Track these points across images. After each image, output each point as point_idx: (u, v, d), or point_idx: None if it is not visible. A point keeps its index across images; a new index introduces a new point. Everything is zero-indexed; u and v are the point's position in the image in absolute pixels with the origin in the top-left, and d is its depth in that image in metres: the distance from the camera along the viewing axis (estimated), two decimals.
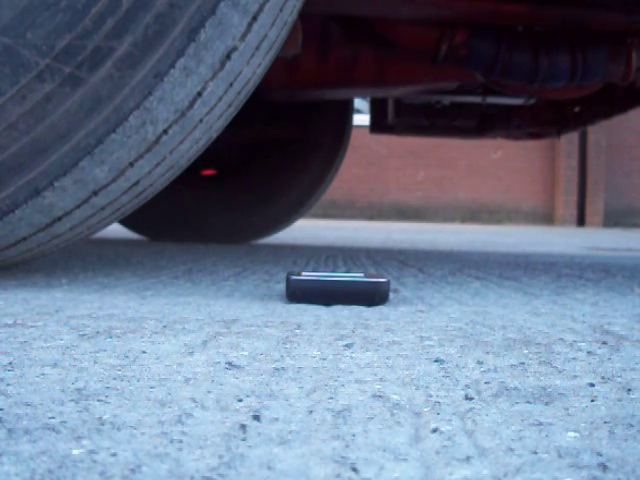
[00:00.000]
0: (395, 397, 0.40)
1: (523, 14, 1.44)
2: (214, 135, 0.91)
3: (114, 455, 0.29)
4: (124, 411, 0.35)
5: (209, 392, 0.40)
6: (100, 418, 0.34)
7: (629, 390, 0.43)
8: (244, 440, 0.32)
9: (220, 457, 0.29)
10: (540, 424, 0.35)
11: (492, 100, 1.97)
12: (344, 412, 0.36)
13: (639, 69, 1.55)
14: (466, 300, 0.86)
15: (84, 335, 0.56)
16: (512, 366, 0.49)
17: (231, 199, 2.27)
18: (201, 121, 0.82)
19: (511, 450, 0.31)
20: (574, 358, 0.52)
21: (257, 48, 0.81)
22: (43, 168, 0.76)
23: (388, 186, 8.96)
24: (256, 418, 0.35)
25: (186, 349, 0.52)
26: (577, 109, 2.07)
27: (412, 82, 1.70)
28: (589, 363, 0.51)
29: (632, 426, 0.35)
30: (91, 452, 0.29)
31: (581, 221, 8.92)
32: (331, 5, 1.45)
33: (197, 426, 0.33)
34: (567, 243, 3.38)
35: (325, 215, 8.53)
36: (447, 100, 2.09)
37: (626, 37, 1.53)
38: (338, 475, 0.28)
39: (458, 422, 0.35)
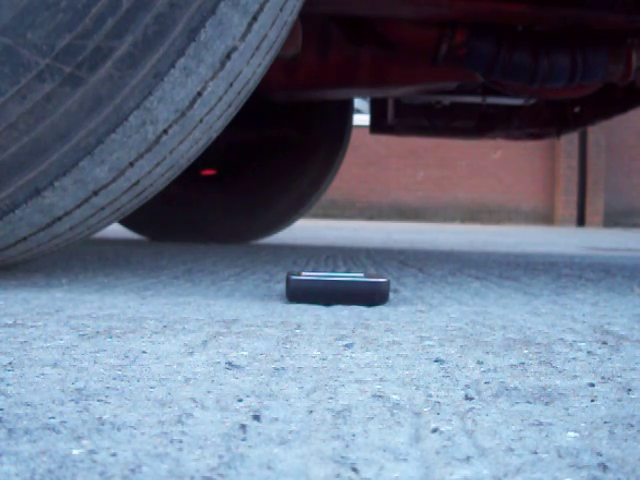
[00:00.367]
0: (395, 397, 0.40)
1: (523, 14, 1.44)
2: (214, 135, 0.91)
3: (114, 455, 0.29)
4: (124, 411, 0.35)
5: (209, 392, 0.40)
6: (100, 418, 0.34)
7: (629, 390, 0.43)
8: (244, 440, 0.32)
9: (220, 457, 0.29)
10: (540, 424, 0.35)
11: (492, 100, 1.98)
12: (344, 412, 0.36)
13: (639, 69, 1.55)
14: (466, 300, 0.86)
15: (84, 335, 0.56)
16: (512, 366, 0.49)
17: (231, 199, 2.27)
18: (201, 121, 0.82)
19: (511, 450, 0.31)
20: (574, 358, 0.52)
21: (257, 48, 0.81)
22: (43, 168, 0.76)
23: (388, 186, 8.96)
24: (256, 418, 0.35)
25: (186, 349, 0.52)
26: (577, 109, 2.07)
27: (412, 82, 1.70)
28: (589, 363, 0.51)
29: (632, 426, 0.35)
30: (91, 452, 0.29)
31: (581, 221, 8.92)
32: (331, 5, 1.45)
33: (197, 426, 0.33)
34: (567, 243, 3.39)
35: (325, 215, 8.53)
36: (447, 100, 2.09)
37: (626, 37, 1.53)
38: (338, 475, 0.28)
39: (458, 422, 0.35)
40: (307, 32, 1.49)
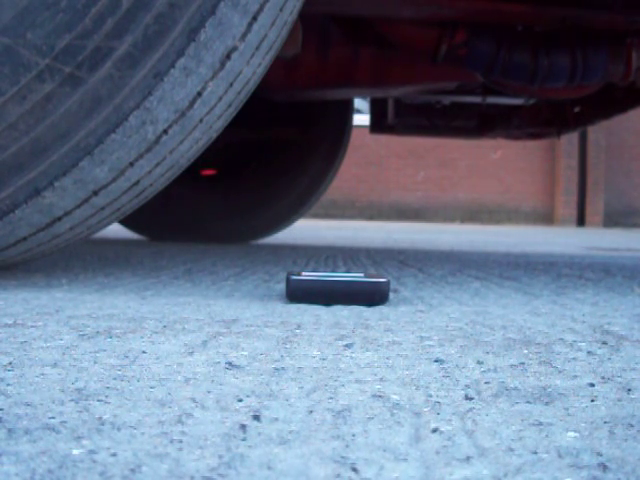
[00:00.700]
0: (395, 397, 0.40)
1: (523, 14, 1.44)
2: (214, 135, 0.91)
3: (114, 455, 0.29)
4: (124, 411, 0.35)
5: (209, 392, 0.40)
6: (100, 418, 0.34)
7: (629, 390, 0.43)
8: (244, 440, 0.32)
9: (220, 457, 0.29)
10: (540, 424, 0.35)
11: (492, 100, 1.98)
12: (344, 412, 0.36)
13: (639, 69, 1.55)
14: (466, 300, 0.87)
15: (84, 335, 0.56)
16: (512, 366, 0.49)
17: (231, 199, 2.27)
18: (201, 121, 0.82)
19: (511, 450, 0.31)
20: (574, 358, 0.52)
21: (257, 48, 0.81)
22: (43, 168, 0.76)
23: (388, 186, 8.96)
24: (256, 418, 0.35)
25: (186, 349, 0.52)
26: (577, 109, 2.07)
27: (412, 82, 1.70)
28: (589, 363, 0.51)
29: (632, 426, 0.35)
30: (91, 452, 0.29)
31: (581, 221, 8.92)
32: (331, 5, 1.45)
33: (197, 426, 0.33)
34: (567, 243, 3.38)
35: (325, 215, 8.53)
36: (447, 100, 2.09)
37: (626, 37, 1.53)
38: (338, 475, 0.28)
39: (458, 422, 0.35)
40: (307, 32, 1.49)
